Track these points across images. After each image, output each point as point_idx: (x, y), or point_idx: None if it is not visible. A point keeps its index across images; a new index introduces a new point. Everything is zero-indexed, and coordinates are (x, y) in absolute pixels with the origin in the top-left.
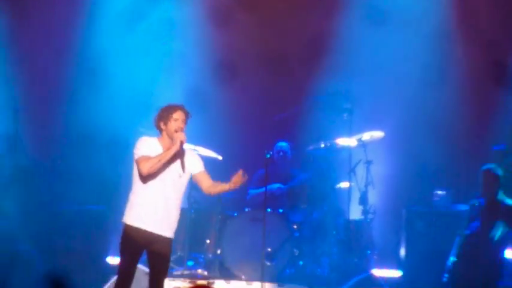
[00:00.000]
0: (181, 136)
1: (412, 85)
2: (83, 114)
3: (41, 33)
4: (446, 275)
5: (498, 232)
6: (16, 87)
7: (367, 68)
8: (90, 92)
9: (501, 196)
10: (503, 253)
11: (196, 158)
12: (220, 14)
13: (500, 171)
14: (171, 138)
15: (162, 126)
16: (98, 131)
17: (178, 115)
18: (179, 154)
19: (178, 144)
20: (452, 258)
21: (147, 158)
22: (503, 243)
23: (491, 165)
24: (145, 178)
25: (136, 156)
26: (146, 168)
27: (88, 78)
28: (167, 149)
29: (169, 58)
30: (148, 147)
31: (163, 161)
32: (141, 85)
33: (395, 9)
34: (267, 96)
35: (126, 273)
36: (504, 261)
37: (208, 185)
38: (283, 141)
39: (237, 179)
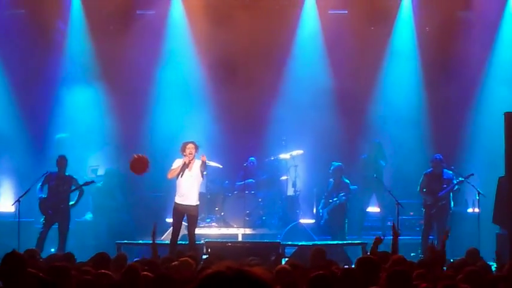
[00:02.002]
0: (185, 159)
1: (318, 122)
2: (145, 144)
3: (126, 96)
4: (322, 221)
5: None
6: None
7: (292, 111)
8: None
9: (344, 179)
10: (365, 209)
11: (197, 162)
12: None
13: (343, 166)
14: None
15: (183, 153)
16: (158, 153)
17: (188, 147)
18: (188, 165)
19: (183, 162)
20: (321, 211)
21: (170, 169)
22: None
23: (339, 163)
24: (175, 178)
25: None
26: (168, 175)
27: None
28: (193, 163)
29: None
30: (176, 163)
31: (177, 171)
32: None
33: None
34: (245, 132)
35: (176, 228)
36: (365, 214)
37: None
38: (252, 157)
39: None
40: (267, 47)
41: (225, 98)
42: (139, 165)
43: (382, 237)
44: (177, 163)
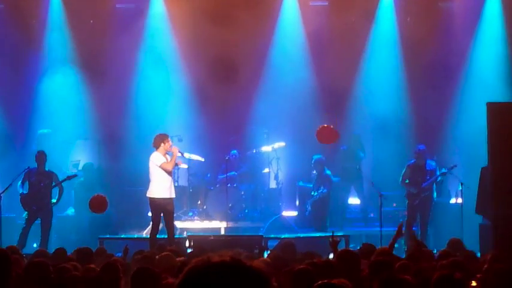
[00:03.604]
0: (177, 149)
1: (299, 114)
2: (127, 137)
3: (106, 91)
4: (307, 213)
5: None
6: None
7: (274, 104)
8: (132, 126)
9: (326, 171)
10: (346, 200)
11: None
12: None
13: (324, 158)
14: (168, 150)
15: (162, 144)
16: (139, 146)
17: (168, 139)
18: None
19: (177, 153)
20: (309, 203)
21: (166, 163)
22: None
23: (319, 155)
24: (166, 172)
25: (159, 163)
26: (169, 168)
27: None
28: (168, 156)
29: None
30: (160, 157)
31: (173, 162)
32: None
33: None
34: (225, 125)
35: (156, 221)
36: (347, 206)
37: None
38: (234, 150)
39: None
40: (248, 40)
41: (206, 91)
42: (99, 206)
43: (338, 239)
44: (160, 156)
